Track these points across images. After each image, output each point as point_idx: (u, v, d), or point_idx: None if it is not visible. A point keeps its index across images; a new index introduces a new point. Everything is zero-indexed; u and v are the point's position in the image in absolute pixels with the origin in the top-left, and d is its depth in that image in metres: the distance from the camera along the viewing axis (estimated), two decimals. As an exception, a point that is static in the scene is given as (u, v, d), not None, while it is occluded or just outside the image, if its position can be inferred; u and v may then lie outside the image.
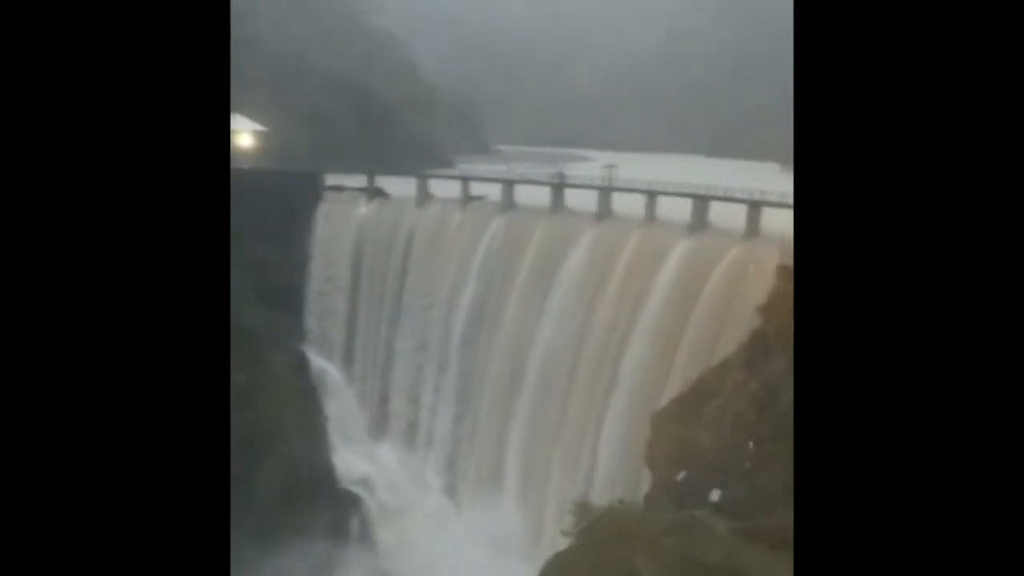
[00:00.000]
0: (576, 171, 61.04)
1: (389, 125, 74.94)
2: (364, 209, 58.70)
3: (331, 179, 60.70)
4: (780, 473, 31.06)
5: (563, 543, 37.05)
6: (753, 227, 41.22)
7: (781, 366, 33.05)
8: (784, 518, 29.47)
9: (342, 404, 56.74)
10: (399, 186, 58.38)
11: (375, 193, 59.22)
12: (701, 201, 44.02)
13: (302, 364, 55.75)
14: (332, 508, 51.24)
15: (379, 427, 56.43)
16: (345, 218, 58.88)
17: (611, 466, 42.28)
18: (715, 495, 32.56)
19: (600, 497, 40.04)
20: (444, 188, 57.24)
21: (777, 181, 48.72)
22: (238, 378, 44.59)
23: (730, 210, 42.83)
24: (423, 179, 57.73)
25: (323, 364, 57.47)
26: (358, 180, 59.93)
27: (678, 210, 44.81)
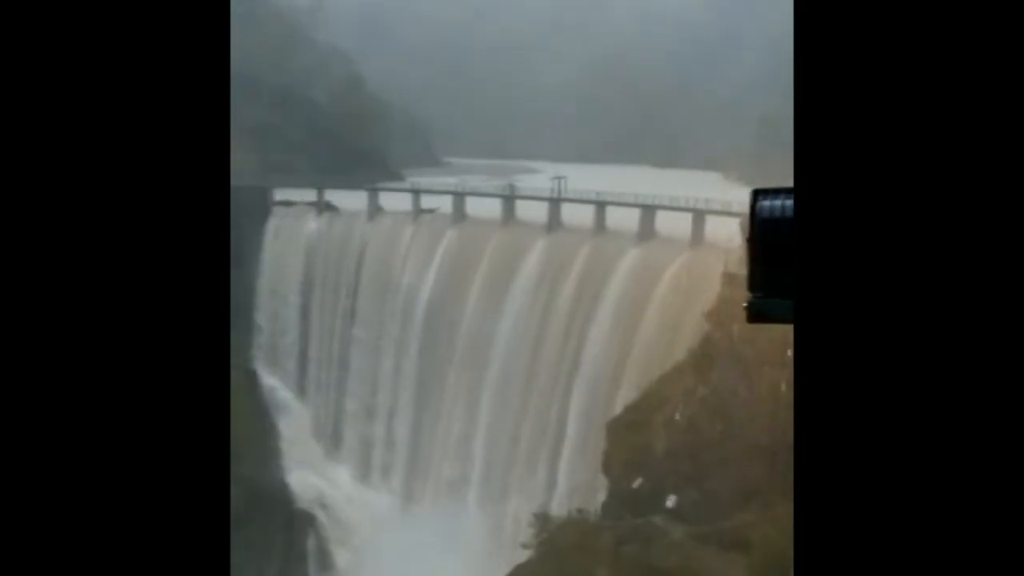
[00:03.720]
0: (526, 182, 61.56)
1: (337, 139, 74.42)
2: (314, 224, 58.15)
3: (280, 194, 59.98)
4: (733, 476, 31.85)
5: (524, 555, 37.24)
6: (699, 235, 42.22)
7: (728, 370, 33.92)
8: (737, 520, 30.23)
9: (295, 422, 55.92)
10: (349, 200, 58.00)
11: (325, 207, 58.73)
12: (648, 211, 44.91)
13: (253, 382, 54.80)
14: (287, 528, 50.41)
15: (334, 444, 55.77)
16: (295, 233, 58.24)
17: (569, 475, 42.64)
18: (671, 501, 33.18)
19: (559, 507, 40.35)
20: (394, 201, 57.10)
21: (720, 190, 49.99)
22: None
23: (676, 219, 43.79)
24: (373, 192, 57.47)
25: (274, 382, 56.59)
26: (307, 194, 59.35)
27: (626, 219, 45.61)
